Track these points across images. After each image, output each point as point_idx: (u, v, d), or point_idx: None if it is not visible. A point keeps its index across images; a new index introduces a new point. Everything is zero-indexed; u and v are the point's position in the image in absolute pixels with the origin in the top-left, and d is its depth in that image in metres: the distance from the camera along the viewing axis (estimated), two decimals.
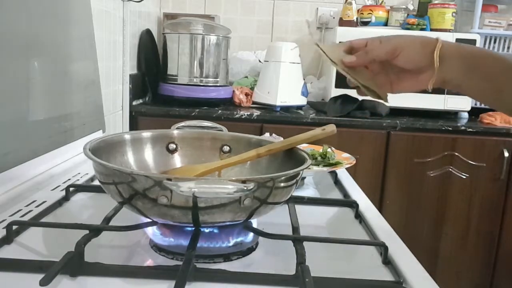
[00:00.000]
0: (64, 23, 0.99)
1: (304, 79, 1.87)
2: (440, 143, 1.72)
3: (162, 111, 1.69)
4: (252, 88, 1.90)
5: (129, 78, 1.61)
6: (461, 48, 0.59)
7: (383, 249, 0.57)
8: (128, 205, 0.54)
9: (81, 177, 0.89)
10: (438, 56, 0.58)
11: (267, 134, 1.20)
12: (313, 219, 0.73)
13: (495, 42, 1.99)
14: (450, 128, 1.72)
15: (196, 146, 0.74)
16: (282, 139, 0.88)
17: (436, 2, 1.95)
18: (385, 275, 0.54)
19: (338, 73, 1.82)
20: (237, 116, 1.69)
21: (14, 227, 0.58)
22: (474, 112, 1.90)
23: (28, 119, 0.82)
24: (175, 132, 0.75)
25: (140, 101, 1.81)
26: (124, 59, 1.57)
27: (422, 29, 1.90)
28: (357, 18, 1.99)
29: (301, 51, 1.84)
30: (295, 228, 0.62)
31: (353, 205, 0.76)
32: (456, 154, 1.72)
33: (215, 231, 0.57)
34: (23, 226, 0.60)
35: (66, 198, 0.74)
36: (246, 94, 1.87)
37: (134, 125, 1.68)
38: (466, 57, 0.58)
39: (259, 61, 2.03)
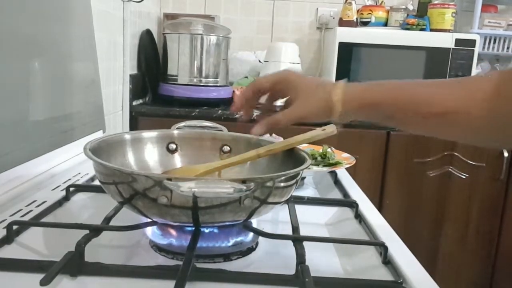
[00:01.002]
0: (64, 23, 0.99)
1: None
2: (439, 143, 1.72)
3: (162, 111, 1.69)
4: None
5: (129, 78, 1.61)
6: (363, 96, 0.57)
7: (382, 249, 0.57)
8: (128, 205, 0.54)
9: (81, 177, 0.89)
10: (336, 122, 0.59)
11: (267, 134, 1.20)
12: (313, 219, 0.73)
13: (494, 42, 1.99)
14: None
15: (196, 146, 0.74)
16: (282, 139, 0.88)
17: (435, 2, 1.96)
18: (385, 275, 0.54)
19: (338, 73, 1.83)
20: (237, 116, 1.68)
21: (15, 227, 0.58)
22: None
23: (28, 119, 0.82)
24: (175, 132, 0.75)
25: (140, 101, 1.81)
26: (124, 59, 1.57)
27: (421, 29, 1.90)
28: (357, 18, 1.99)
29: (301, 51, 1.84)
30: (295, 228, 0.62)
31: (353, 205, 0.76)
32: (456, 154, 1.72)
33: (215, 231, 0.57)
34: (23, 226, 0.61)
35: (66, 198, 0.75)
36: None
37: (134, 125, 1.68)
38: (364, 107, 0.57)
39: (259, 61, 2.03)
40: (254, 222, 0.62)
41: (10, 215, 0.66)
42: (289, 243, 0.56)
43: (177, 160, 0.73)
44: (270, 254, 0.59)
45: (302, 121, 0.62)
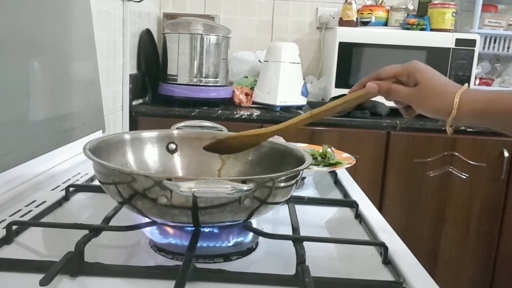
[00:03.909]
0: (64, 23, 0.99)
1: (304, 79, 1.87)
2: (440, 143, 1.72)
3: (162, 111, 1.69)
4: (252, 88, 1.90)
5: (129, 78, 1.61)
6: (476, 104, 0.58)
7: (383, 249, 0.57)
8: (128, 205, 0.54)
9: (81, 177, 0.89)
10: (450, 124, 0.60)
11: None
12: (313, 219, 0.73)
13: (495, 42, 1.99)
14: None
15: (196, 146, 0.74)
16: (282, 139, 0.88)
17: (436, 2, 1.95)
18: (385, 275, 0.54)
19: (338, 73, 1.83)
20: (237, 116, 1.68)
21: (14, 227, 0.58)
22: None
23: (28, 119, 0.82)
24: (175, 132, 0.75)
25: (140, 101, 1.81)
26: (124, 59, 1.57)
27: (422, 29, 1.90)
28: (357, 18, 1.98)
29: (301, 51, 1.84)
30: (295, 228, 0.62)
31: (353, 205, 0.76)
32: (456, 154, 1.72)
33: (215, 231, 0.57)
34: (23, 226, 0.60)
35: (66, 198, 0.74)
36: (246, 94, 1.87)
37: (134, 125, 1.68)
38: (478, 114, 0.58)
39: (259, 61, 2.03)
40: (254, 222, 0.62)
41: (10, 215, 0.66)
42: (289, 243, 0.56)
43: (177, 160, 0.73)
44: (270, 255, 0.59)
45: (413, 106, 0.63)
